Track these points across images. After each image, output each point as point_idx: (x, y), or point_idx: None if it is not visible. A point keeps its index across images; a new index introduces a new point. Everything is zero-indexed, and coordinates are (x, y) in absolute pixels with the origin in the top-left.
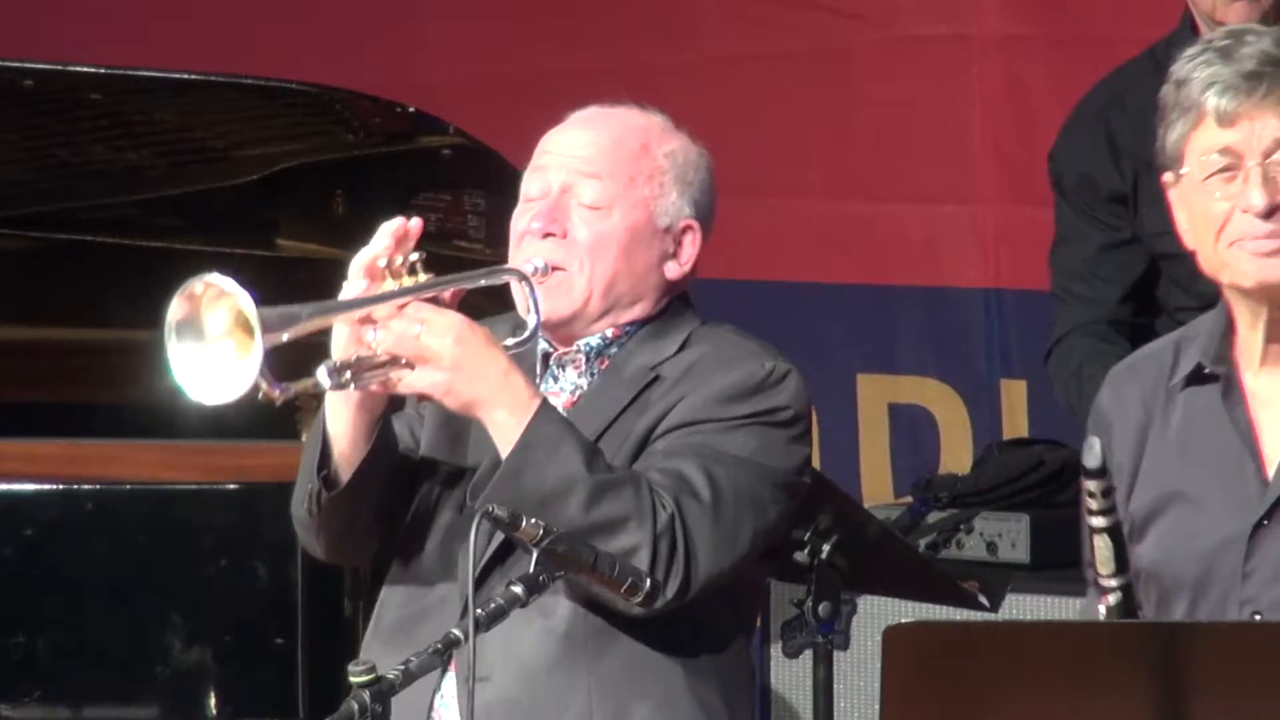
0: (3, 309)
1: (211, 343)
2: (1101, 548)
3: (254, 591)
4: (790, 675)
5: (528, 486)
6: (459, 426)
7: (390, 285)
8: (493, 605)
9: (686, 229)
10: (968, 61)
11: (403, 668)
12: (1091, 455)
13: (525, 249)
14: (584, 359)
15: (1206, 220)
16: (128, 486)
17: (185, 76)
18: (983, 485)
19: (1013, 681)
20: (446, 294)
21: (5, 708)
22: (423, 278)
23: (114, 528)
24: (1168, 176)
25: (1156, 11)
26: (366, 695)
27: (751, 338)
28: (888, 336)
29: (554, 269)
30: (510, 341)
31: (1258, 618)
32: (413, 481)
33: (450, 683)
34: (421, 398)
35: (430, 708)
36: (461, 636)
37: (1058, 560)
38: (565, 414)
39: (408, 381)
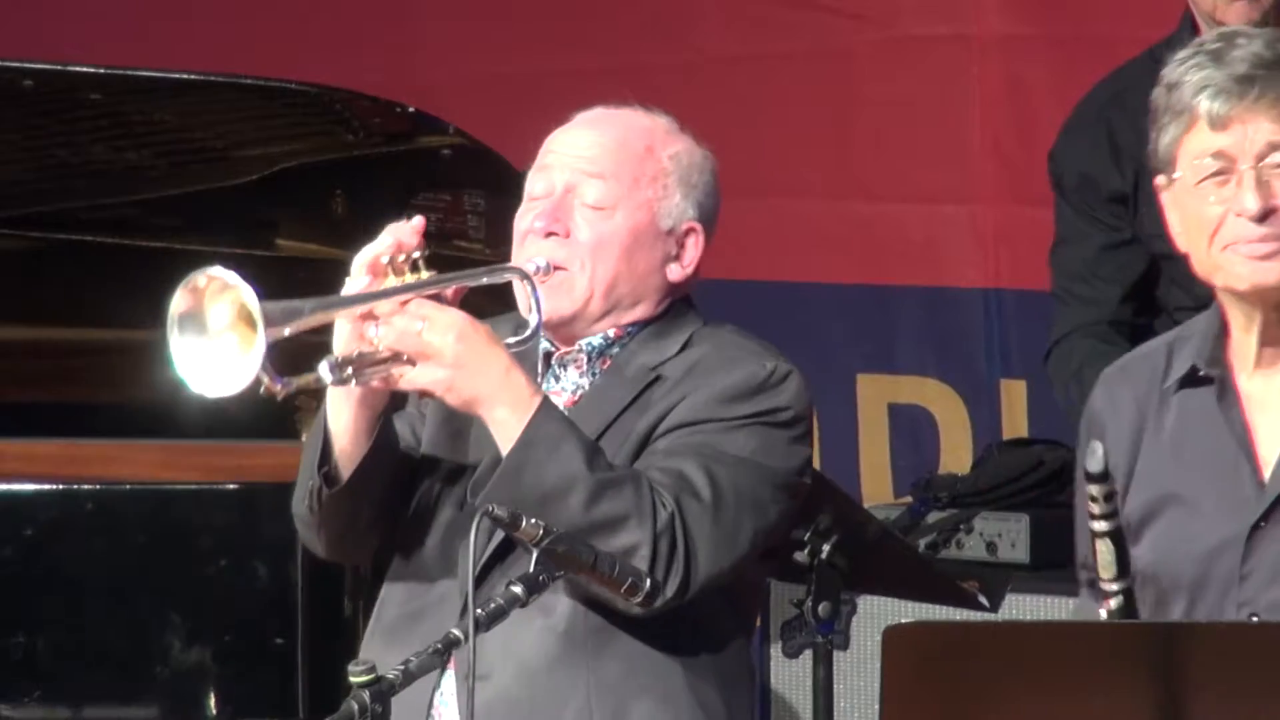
0: (3, 309)
1: (214, 336)
2: (1103, 552)
3: (254, 591)
4: (790, 675)
5: (528, 484)
6: (460, 424)
7: (393, 282)
8: (492, 605)
9: (689, 231)
10: (968, 61)
11: (402, 668)
12: (1094, 459)
13: (528, 248)
14: (586, 359)
15: (1200, 224)
16: (128, 486)
17: (185, 76)
18: (982, 485)
19: (1012, 681)
20: (449, 292)
21: (5, 708)
22: (425, 275)
23: (114, 528)
24: (1160, 180)
25: (1156, 11)
26: (366, 695)
27: (753, 338)
28: (888, 336)
29: (555, 268)
30: (512, 340)
31: (1255, 619)
32: (414, 479)
33: (450, 681)
34: (423, 394)
35: (430, 705)
36: (461, 636)
37: (1057, 560)
38: (566, 413)
39: (409, 378)
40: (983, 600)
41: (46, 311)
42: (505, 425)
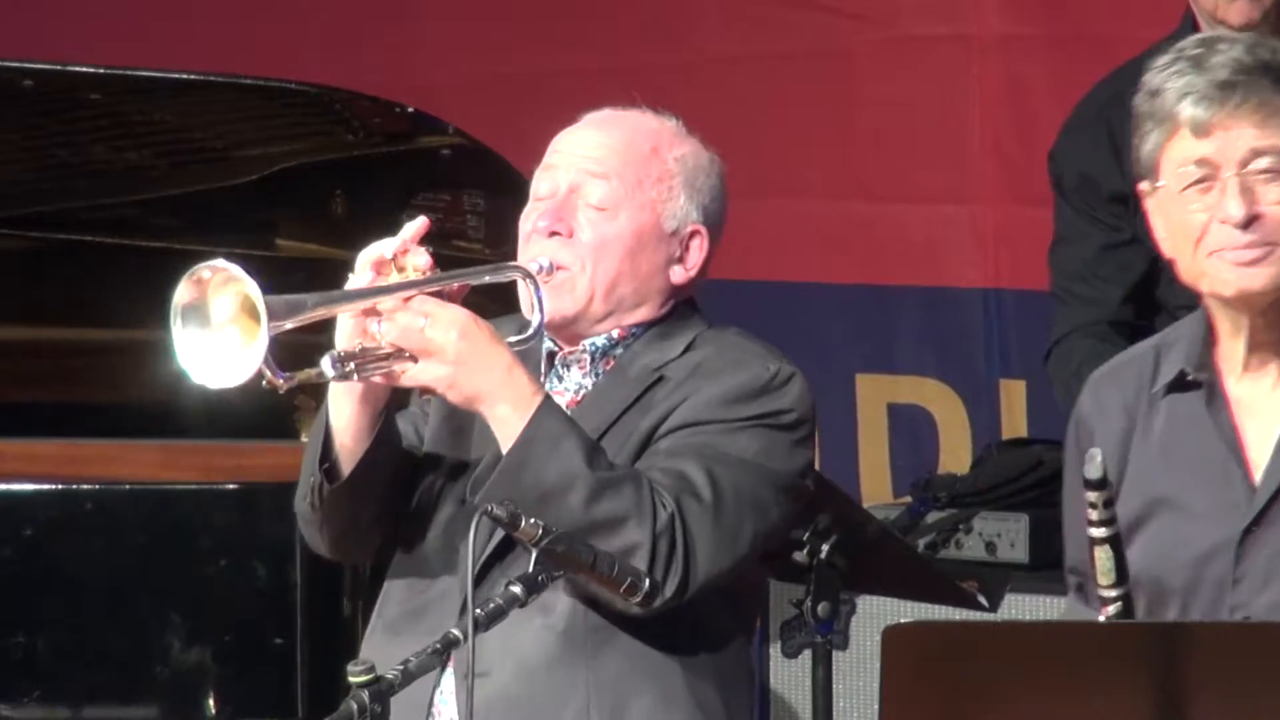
0: (3, 309)
1: (217, 328)
2: (1102, 558)
3: (253, 591)
4: (790, 675)
5: (528, 481)
6: (462, 421)
7: (396, 278)
8: (491, 605)
9: (694, 234)
10: (968, 61)
11: (402, 668)
12: (1093, 466)
13: (531, 248)
14: (589, 359)
15: (1184, 230)
16: (127, 486)
17: (185, 76)
18: (982, 485)
19: (1012, 681)
20: (452, 289)
21: (5, 708)
22: (428, 273)
23: (114, 528)
24: (1144, 186)
25: (1156, 11)
26: (366, 695)
27: (758, 341)
28: (887, 336)
29: (558, 268)
30: (514, 338)
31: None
32: (416, 476)
33: (450, 679)
34: (424, 391)
35: (430, 704)
36: (460, 636)
37: (1057, 560)
38: (569, 412)
39: (411, 374)
40: (982, 600)
41: (46, 311)
42: (506, 422)
